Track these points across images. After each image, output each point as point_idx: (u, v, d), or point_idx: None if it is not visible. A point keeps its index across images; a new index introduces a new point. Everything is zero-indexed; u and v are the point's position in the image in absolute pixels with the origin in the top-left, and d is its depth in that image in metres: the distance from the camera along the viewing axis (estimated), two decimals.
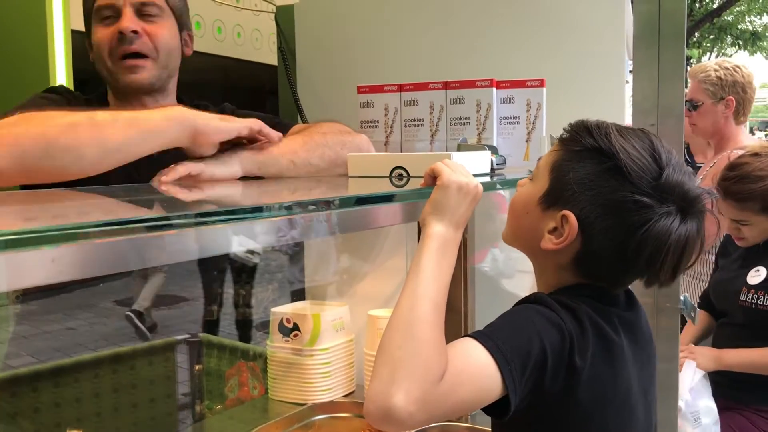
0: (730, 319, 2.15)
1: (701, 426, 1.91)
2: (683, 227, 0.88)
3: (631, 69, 1.74)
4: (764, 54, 13.50)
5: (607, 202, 0.89)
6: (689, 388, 1.94)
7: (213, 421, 2.06)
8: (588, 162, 0.91)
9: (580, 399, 0.86)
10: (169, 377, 2.49)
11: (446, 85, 1.54)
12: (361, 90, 1.61)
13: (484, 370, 0.80)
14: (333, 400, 1.85)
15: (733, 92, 2.44)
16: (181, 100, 1.53)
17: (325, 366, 1.84)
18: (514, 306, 0.92)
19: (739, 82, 2.44)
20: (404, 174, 1.26)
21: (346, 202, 1.05)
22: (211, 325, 3.30)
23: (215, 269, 3.30)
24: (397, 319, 0.81)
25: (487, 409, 0.84)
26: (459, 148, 1.44)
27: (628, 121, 1.74)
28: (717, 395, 2.17)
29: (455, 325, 1.76)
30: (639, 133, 0.93)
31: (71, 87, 1.70)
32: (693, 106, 2.48)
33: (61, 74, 1.65)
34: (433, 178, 0.95)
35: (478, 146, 1.43)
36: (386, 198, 1.06)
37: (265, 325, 3.02)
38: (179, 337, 2.72)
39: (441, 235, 0.89)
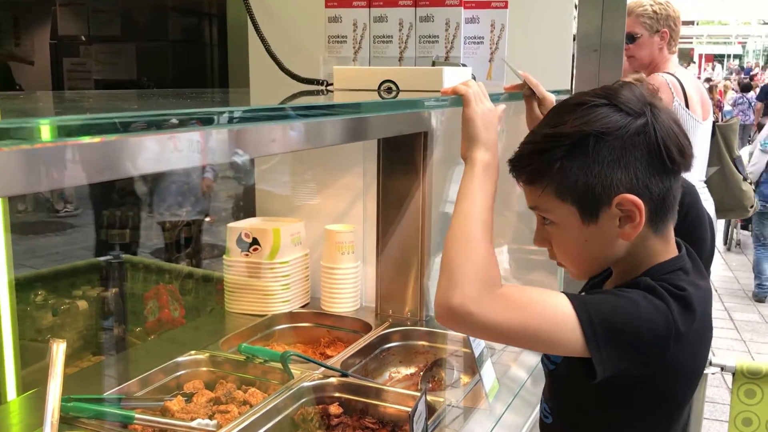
0: None
1: None
2: (667, 116, 0.94)
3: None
4: None
5: (623, 157, 0.90)
6: None
7: (175, 333, 2.08)
8: (574, 160, 0.91)
9: (670, 377, 0.94)
10: (92, 297, 2.47)
11: (416, 3, 1.57)
12: (329, 4, 1.60)
13: (562, 318, 0.85)
14: (292, 311, 1.92)
15: (666, 25, 2.64)
16: None
17: (285, 278, 1.89)
18: (617, 288, 0.94)
19: (672, 16, 2.65)
20: (393, 87, 1.31)
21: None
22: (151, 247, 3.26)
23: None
24: (452, 238, 0.90)
25: (581, 369, 0.88)
26: (433, 65, 1.49)
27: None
28: None
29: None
30: (554, 110, 1.00)
31: None
32: (632, 38, 2.64)
33: None
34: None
35: (452, 63, 1.48)
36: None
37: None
38: (102, 258, 2.69)
39: (481, 160, 0.98)
